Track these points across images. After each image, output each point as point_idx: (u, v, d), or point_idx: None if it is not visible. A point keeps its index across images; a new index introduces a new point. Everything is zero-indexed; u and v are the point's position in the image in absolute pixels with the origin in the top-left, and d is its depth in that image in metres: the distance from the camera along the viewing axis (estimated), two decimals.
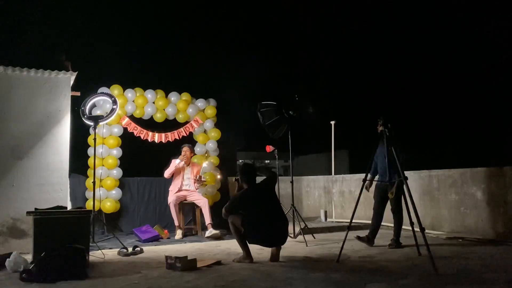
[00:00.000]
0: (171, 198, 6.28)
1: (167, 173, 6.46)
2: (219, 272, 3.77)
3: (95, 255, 4.53)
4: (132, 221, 6.73)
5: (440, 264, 3.76)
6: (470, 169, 5.71)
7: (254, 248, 4.78)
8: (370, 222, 6.93)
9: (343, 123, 8.03)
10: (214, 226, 6.16)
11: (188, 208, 6.65)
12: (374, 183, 5.28)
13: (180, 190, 6.41)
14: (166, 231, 6.22)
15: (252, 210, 4.22)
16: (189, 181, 6.48)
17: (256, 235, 4.19)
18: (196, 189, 6.46)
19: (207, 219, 6.17)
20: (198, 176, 6.46)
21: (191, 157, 6.65)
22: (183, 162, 6.43)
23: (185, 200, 6.42)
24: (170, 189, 6.48)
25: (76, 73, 5.61)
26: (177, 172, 6.50)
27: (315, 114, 5.97)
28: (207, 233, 5.99)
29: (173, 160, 6.51)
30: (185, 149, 6.51)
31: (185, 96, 7.17)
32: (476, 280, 3.33)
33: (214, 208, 7.12)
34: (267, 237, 4.22)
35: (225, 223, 6.63)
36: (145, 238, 5.72)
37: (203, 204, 6.26)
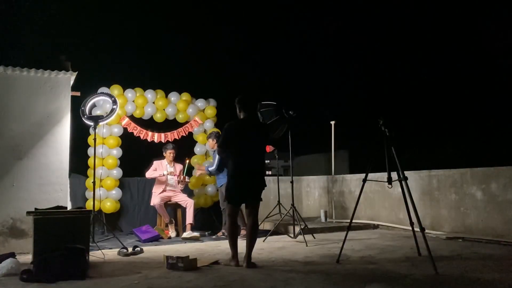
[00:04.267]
0: (156, 200, 6.24)
1: (149, 176, 6.44)
2: (219, 272, 3.77)
3: (95, 255, 4.53)
4: (132, 221, 6.73)
5: (440, 264, 3.76)
6: (470, 169, 5.71)
7: (254, 249, 4.77)
8: (370, 222, 6.96)
9: (343, 123, 8.02)
10: (197, 229, 6.27)
11: (169, 209, 6.51)
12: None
13: (164, 190, 6.39)
14: (166, 231, 6.22)
15: (237, 142, 3.96)
16: (173, 180, 6.46)
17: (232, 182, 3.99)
18: (180, 189, 6.47)
19: (189, 219, 6.16)
20: (181, 177, 6.47)
21: (174, 157, 6.61)
22: (169, 176, 6.43)
23: (169, 201, 6.40)
24: (153, 190, 6.43)
25: (76, 73, 5.61)
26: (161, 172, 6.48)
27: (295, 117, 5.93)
28: (185, 234, 5.98)
29: (154, 162, 6.50)
30: (171, 151, 6.50)
31: (185, 96, 7.18)
32: (476, 280, 3.33)
33: (214, 208, 7.14)
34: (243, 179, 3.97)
35: (207, 226, 6.70)
36: (145, 238, 5.72)
37: (189, 205, 6.25)
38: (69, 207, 5.79)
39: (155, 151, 6.91)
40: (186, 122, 7.19)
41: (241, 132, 4.04)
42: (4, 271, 3.77)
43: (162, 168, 6.45)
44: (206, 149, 7.25)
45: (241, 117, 4.15)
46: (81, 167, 6.48)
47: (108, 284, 3.44)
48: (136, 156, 7.05)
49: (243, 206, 4.53)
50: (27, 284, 3.45)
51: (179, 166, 6.59)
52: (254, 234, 4.06)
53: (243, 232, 5.78)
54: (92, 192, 5.46)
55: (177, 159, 6.67)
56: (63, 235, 3.92)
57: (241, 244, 4.24)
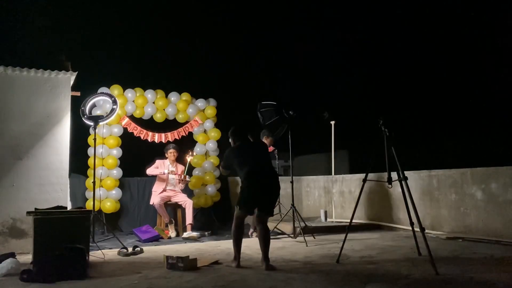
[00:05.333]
0: (156, 200, 6.25)
1: (150, 173, 6.46)
2: (219, 272, 3.78)
3: (95, 255, 4.54)
4: (132, 221, 6.73)
5: (440, 264, 3.76)
6: (470, 169, 5.71)
7: (254, 249, 4.78)
8: (370, 222, 6.96)
9: (343, 123, 8.02)
10: (197, 228, 6.32)
11: (169, 209, 6.49)
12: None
13: (164, 190, 6.39)
14: (166, 231, 6.22)
15: (243, 165, 4.13)
16: (174, 180, 6.47)
17: (246, 191, 4.08)
18: (181, 189, 6.48)
19: (189, 219, 6.17)
20: (182, 176, 6.46)
21: (176, 157, 6.61)
22: (170, 175, 6.44)
23: (169, 201, 6.40)
24: (153, 190, 6.44)
25: (76, 73, 5.61)
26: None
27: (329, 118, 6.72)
28: (185, 234, 6.01)
29: (157, 160, 6.51)
30: (172, 151, 6.49)
31: (185, 96, 7.18)
32: (476, 280, 3.33)
33: (215, 208, 7.14)
34: (257, 191, 4.06)
35: (207, 226, 6.70)
36: (145, 238, 5.72)
37: (188, 205, 6.26)
38: (69, 207, 5.79)
39: (155, 151, 6.91)
40: (186, 122, 7.19)
41: (240, 152, 4.25)
42: (4, 271, 3.77)
43: (164, 167, 6.45)
44: (206, 149, 7.26)
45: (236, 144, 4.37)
46: (81, 167, 6.48)
47: (108, 284, 3.44)
48: (136, 156, 7.05)
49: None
50: (27, 284, 3.45)
51: (180, 167, 6.59)
52: (266, 238, 4.06)
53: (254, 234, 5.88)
54: (92, 192, 5.46)
55: (178, 159, 6.67)
56: (63, 235, 3.92)
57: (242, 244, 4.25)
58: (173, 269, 3.86)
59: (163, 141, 6.93)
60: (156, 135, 6.95)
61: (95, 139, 5.53)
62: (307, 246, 5.21)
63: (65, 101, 5.53)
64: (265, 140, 6.32)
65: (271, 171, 4.24)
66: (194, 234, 5.97)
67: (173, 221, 6.33)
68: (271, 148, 7.33)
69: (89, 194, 6.30)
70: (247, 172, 4.08)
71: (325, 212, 7.61)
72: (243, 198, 4.11)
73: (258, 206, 4.10)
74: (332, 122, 7.58)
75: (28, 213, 4.07)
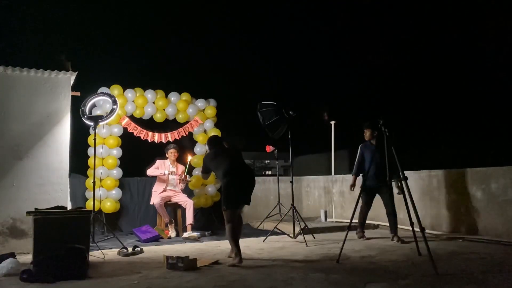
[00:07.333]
0: (156, 200, 6.24)
1: (150, 174, 6.46)
2: (219, 272, 3.78)
3: (95, 255, 4.54)
4: (132, 221, 6.73)
5: (440, 264, 3.76)
6: (470, 169, 5.71)
7: (254, 249, 4.78)
8: (370, 222, 6.96)
9: (343, 123, 8.03)
10: (197, 228, 6.33)
11: (169, 209, 6.45)
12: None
13: (164, 190, 6.39)
14: (166, 231, 6.22)
15: (219, 165, 4.52)
16: (174, 181, 6.46)
17: (228, 192, 4.37)
18: (181, 189, 6.47)
19: (189, 219, 6.17)
20: (183, 175, 6.46)
21: (177, 157, 6.61)
22: (171, 176, 6.43)
23: (169, 201, 6.40)
24: (153, 190, 6.43)
25: (76, 73, 5.61)
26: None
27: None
28: (185, 234, 6.02)
29: (158, 161, 6.51)
30: (172, 151, 6.50)
31: (185, 96, 7.18)
32: (476, 280, 3.33)
33: (215, 208, 7.14)
34: (238, 190, 4.39)
35: (207, 226, 6.70)
36: (145, 238, 5.72)
37: (188, 205, 6.25)
38: (69, 207, 5.79)
39: (155, 151, 6.91)
40: (186, 122, 7.19)
41: (215, 155, 4.63)
42: (4, 271, 3.77)
43: (164, 168, 6.45)
44: (206, 149, 7.25)
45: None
46: (81, 167, 6.48)
47: (108, 284, 3.44)
48: (136, 156, 7.05)
49: None
50: (27, 284, 3.46)
51: (181, 167, 6.59)
52: (241, 226, 4.54)
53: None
54: (92, 192, 5.46)
55: (179, 159, 6.66)
56: (63, 235, 3.92)
57: (241, 244, 4.25)
58: (173, 269, 3.86)
59: (163, 141, 6.93)
60: (156, 135, 6.95)
61: (95, 139, 5.52)
62: (307, 246, 5.21)
63: (65, 101, 5.53)
64: (367, 132, 5.88)
65: (246, 168, 4.65)
66: (194, 234, 5.98)
67: (173, 221, 6.33)
68: (270, 148, 7.33)
69: (89, 194, 6.29)
70: (224, 171, 4.40)
71: (325, 212, 7.61)
72: (229, 200, 4.31)
73: (241, 198, 4.41)
74: (332, 122, 7.58)
75: (28, 213, 4.07)
